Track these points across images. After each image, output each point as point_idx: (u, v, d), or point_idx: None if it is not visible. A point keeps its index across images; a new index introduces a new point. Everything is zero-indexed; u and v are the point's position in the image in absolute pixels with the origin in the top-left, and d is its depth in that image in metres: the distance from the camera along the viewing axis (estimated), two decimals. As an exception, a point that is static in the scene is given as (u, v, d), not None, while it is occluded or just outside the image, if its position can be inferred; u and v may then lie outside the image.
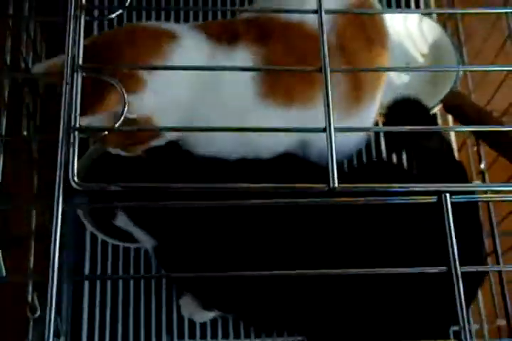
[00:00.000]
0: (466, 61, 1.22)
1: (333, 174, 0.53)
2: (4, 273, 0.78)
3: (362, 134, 1.00)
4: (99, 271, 1.11)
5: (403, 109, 1.06)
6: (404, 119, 1.05)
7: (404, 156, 1.20)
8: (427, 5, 1.33)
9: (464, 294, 0.96)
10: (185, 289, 1.06)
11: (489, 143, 1.01)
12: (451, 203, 0.55)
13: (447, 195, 0.53)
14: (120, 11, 0.68)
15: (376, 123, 1.04)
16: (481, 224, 0.97)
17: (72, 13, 0.65)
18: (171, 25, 0.86)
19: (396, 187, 0.55)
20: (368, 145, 1.20)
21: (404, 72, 1.23)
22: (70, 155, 0.57)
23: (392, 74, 1.22)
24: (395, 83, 1.23)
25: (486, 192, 0.67)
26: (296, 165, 0.96)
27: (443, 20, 1.26)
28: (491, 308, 1.06)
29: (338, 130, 0.57)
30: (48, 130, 1.07)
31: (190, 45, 0.82)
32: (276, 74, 0.84)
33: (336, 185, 0.53)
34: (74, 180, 0.55)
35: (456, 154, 1.18)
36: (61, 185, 0.57)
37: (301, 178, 0.90)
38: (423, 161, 1.07)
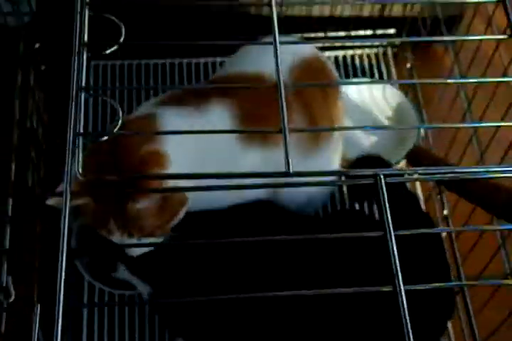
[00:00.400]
0: (426, 121, 1.35)
1: (288, 161, 0.63)
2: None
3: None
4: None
5: (366, 164, 1.18)
6: None
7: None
8: (389, 76, 1.47)
9: (434, 326, 1.04)
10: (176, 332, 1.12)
11: (454, 190, 1.10)
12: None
13: (382, 175, 0.63)
14: (115, 47, 0.76)
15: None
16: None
17: (77, 49, 0.77)
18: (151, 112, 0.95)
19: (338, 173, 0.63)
20: (332, 196, 1.30)
21: (372, 133, 1.35)
22: (76, 156, 0.67)
23: (360, 135, 1.35)
24: (364, 143, 1.35)
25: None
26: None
27: (405, 88, 1.40)
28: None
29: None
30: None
31: (173, 125, 0.91)
32: (252, 121, 0.96)
33: (291, 170, 0.63)
34: (79, 172, 0.65)
35: (423, 204, 1.28)
36: (68, 183, 0.67)
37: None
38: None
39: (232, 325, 0.98)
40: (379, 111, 1.40)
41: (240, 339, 1.01)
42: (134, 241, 0.90)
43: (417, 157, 1.25)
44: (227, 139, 0.95)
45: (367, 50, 1.52)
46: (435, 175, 0.70)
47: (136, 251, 0.93)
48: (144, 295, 1.04)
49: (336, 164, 1.12)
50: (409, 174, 0.73)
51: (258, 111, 0.95)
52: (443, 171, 0.68)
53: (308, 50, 1.06)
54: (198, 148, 0.89)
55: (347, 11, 1.46)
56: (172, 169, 0.86)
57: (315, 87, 1.04)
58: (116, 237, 0.87)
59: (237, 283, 0.96)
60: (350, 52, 1.52)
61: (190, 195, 0.89)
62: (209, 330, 1.01)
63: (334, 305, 0.92)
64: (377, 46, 1.51)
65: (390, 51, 1.52)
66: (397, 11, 1.47)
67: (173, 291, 1.00)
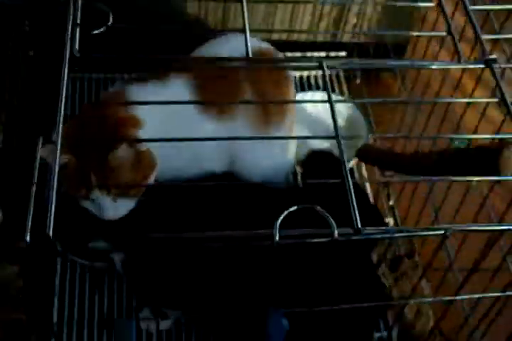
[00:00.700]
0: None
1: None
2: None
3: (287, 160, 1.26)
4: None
5: (318, 159, 1.32)
6: (319, 167, 1.30)
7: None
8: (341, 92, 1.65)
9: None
10: (146, 296, 1.22)
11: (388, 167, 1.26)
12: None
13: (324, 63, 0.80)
14: (102, 29, 0.88)
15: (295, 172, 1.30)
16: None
17: (70, 29, 0.91)
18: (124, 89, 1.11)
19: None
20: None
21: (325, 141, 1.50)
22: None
23: (314, 143, 1.50)
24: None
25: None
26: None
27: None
28: None
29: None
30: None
31: (141, 96, 1.08)
32: (209, 96, 1.12)
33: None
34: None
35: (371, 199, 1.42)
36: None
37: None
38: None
39: (202, 291, 1.08)
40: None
41: (209, 305, 1.10)
42: (111, 203, 1.02)
43: (365, 152, 1.40)
44: (187, 109, 1.10)
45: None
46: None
47: (113, 215, 1.04)
48: (117, 263, 1.15)
49: (290, 153, 1.27)
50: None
51: (214, 85, 1.12)
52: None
53: (264, 44, 1.23)
54: (164, 115, 1.04)
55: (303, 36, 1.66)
56: (144, 130, 1.02)
57: (267, 72, 1.19)
58: (95, 194, 1.00)
59: (209, 250, 1.02)
60: (305, 73, 1.69)
61: (158, 162, 1.03)
62: (179, 298, 1.12)
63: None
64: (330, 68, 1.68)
65: (341, 73, 1.70)
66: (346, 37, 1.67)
67: (145, 258, 1.10)
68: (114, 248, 1.13)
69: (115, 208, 1.03)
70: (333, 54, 1.70)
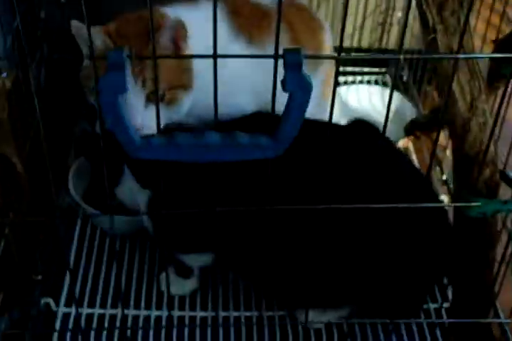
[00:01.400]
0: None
1: None
2: None
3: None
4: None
5: (358, 128, 1.21)
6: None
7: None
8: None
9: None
10: (173, 240, 1.07)
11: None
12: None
13: None
14: None
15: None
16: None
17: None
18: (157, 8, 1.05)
19: None
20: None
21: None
22: None
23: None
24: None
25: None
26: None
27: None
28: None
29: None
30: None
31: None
32: (241, 21, 1.07)
33: None
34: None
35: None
36: None
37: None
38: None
39: (231, 234, 0.96)
40: (378, 113, 1.46)
41: (236, 248, 0.98)
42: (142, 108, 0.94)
43: (413, 124, 1.31)
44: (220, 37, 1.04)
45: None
46: None
47: (141, 123, 0.94)
48: (142, 204, 1.04)
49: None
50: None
51: (247, 13, 1.07)
52: None
53: None
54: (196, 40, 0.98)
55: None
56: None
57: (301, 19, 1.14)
58: (132, 87, 0.91)
59: (240, 194, 0.95)
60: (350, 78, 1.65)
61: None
62: (212, 235, 0.99)
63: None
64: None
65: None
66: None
67: (174, 198, 0.98)
68: (141, 184, 1.03)
69: (145, 115, 0.94)
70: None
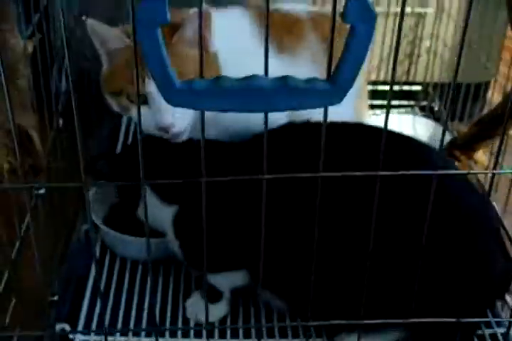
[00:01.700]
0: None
1: None
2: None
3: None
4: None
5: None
6: None
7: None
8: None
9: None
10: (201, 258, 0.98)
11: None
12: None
13: None
14: None
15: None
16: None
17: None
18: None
19: None
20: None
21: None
22: None
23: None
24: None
25: None
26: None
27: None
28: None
29: None
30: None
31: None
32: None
33: None
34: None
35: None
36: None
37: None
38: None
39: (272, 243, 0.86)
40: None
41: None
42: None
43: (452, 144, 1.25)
44: (248, 41, 1.00)
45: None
46: None
47: (171, 120, 0.91)
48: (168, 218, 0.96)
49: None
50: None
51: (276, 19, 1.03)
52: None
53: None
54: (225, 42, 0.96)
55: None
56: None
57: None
58: (152, 86, 0.87)
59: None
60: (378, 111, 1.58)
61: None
62: (244, 252, 0.92)
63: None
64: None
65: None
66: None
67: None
68: (166, 200, 0.96)
69: (174, 113, 0.90)
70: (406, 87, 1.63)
